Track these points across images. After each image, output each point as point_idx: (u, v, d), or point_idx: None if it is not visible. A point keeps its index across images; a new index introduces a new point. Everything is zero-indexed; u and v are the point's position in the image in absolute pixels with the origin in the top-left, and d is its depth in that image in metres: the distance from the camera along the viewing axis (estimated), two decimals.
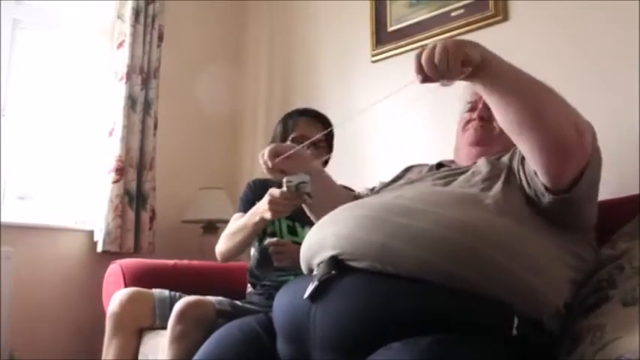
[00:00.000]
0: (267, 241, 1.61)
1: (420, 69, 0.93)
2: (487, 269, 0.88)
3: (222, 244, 1.72)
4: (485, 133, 1.28)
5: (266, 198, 1.46)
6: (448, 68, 0.91)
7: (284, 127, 1.79)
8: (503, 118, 1.00)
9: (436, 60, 0.91)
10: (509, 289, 0.88)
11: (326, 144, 1.80)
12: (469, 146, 1.29)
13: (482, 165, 1.15)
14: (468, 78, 0.96)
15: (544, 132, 0.95)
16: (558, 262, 0.97)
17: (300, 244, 1.17)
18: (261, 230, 1.72)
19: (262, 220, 1.52)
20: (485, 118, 1.28)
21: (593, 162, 0.99)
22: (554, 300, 0.93)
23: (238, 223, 1.66)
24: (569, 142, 0.95)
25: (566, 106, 0.99)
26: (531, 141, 0.97)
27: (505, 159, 1.15)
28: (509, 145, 1.16)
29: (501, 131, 1.16)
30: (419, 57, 0.93)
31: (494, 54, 0.98)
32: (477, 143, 1.28)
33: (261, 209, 1.50)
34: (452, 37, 2.06)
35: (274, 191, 1.46)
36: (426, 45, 0.96)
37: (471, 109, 1.33)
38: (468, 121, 1.33)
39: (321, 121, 1.82)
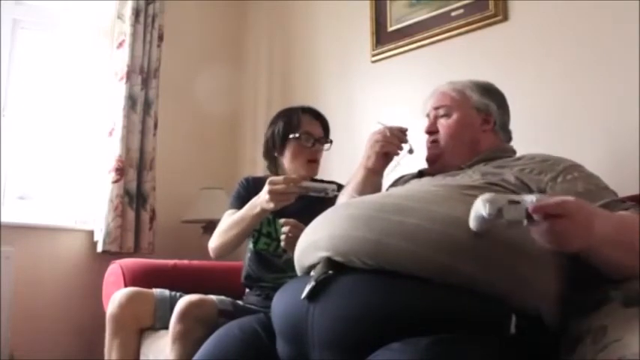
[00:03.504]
0: (284, 220, 1.50)
1: None
2: (481, 262, 0.89)
3: (216, 240, 1.69)
4: (436, 151, 1.32)
5: (266, 188, 1.46)
6: None
7: (287, 122, 1.78)
8: None
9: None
10: (504, 280, 0.88)
11: (325, 139, 1.82)
12: (427, 163, 1.34)
13: (470, 172, 1.18)
14: None
15: (619, 273, 0.94)
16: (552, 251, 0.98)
17: None
18: (257, 231, 1.72)
19: (263, 210, 1.50)
20: (434, 131, 1.33)
21: None
22: (552, 289, 0.93)
23: (234, 217, 1.63)
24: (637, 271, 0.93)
25: None
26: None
27: (509, 175, 1.13)
28: (469, 151, 1.26)
29: (449, 141, 1.28)
30: None
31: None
32: (430, 162, 1.33)
33: (261, 199, 1.49)
34: (452, 37, 2.06)
35: (275, 179, 1.45)
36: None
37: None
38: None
39: (321, 120, 1.83)
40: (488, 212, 0.81)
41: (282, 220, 1.51)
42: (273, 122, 1.84)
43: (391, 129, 1.30)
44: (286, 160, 1.78)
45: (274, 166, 1.83)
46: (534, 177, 1.10)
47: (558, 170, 1.10)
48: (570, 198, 0.85)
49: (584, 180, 1.08)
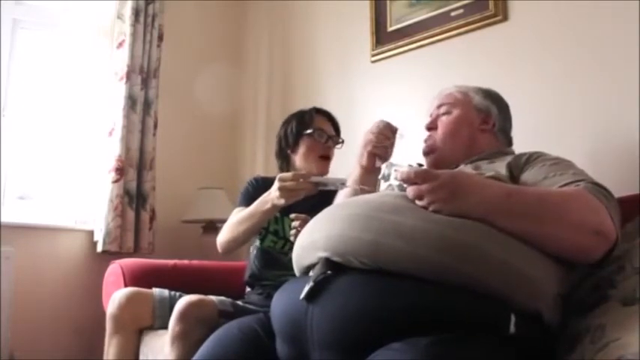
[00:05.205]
0: (294, 215, 1.50)
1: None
2: (480, 261, 0.88)
3: (226, 234, 1.69)
4: (431, 143, 1.35)
5: (276, 184, 1.47)
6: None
7: (300, 121, 1.81)
8: None
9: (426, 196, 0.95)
10: (504, 280, 0.88)
11: (337, 137, 1.87)
12: (423, 156, 1.36)
13: (465, 168, 1.18)
14: None
15: (552, 248, 0.94)
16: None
17: None
18: (264, 229, 1.72)
19: (274, 206, 1.51)
20: (433, 127, 1.36)
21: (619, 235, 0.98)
22: (551, 288, 0.93)
23: (245, 212, 1.63)
24: (586, 249, 0.94)
25: (579, 217, 0.93)
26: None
27: (500, 168, 1.14)
28: (465, 148, 1.28)
29: (447, 137, 1.30)
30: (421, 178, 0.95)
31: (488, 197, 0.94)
32: (425, 155, 1.35)
33: (272, 195, 1.50)
34: (451, 37, 2.06)
35: (285, 175, 1.46)
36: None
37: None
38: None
39: (332, 120, 1.88)
40: (380, 175, 1.11)
41: (292, 215, 1.51)
42: (287, 122, 1.87)
43: (379, 129, 1.32)
44: (298, 158, 1.80)
45: (286, 165, 1.85)
46: (520, 165, 1.13)
47: (538, 161, 1.13)
48: (442, 171, 0.96)
49: (553, 166, 1.09)
